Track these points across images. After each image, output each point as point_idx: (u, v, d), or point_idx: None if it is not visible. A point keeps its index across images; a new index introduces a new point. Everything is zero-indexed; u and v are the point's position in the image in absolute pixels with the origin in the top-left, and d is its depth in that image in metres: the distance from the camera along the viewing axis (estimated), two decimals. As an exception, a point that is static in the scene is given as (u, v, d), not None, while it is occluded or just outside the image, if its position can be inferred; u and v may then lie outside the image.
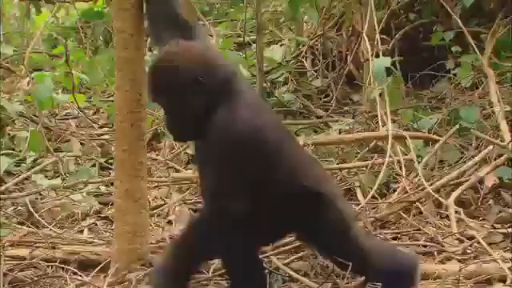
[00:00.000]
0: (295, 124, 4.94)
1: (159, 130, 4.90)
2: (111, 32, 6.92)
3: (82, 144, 4.69)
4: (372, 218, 3.12)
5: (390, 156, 3.48)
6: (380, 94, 3.81)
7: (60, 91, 5.60)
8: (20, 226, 3.33)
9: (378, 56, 3.89)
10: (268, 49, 5.96)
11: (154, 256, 2.82)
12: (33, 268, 2.89)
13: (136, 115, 2.75)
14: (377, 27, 3.94)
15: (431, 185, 3.37)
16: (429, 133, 4.06)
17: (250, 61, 5.60)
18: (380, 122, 3.74)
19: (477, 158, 3.55)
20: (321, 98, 5.52)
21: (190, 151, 4.55)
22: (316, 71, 5.76)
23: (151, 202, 3.67)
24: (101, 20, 7.33)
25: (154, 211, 3.60)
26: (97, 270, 2.79)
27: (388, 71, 3.83)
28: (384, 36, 4.42)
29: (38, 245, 3.03)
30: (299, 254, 2.87)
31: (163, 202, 3.78)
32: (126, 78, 2.73)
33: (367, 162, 3.82)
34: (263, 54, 5.35)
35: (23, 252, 2.98)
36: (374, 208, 3.36)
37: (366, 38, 3.98)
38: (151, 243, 2.94)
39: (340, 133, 4.46)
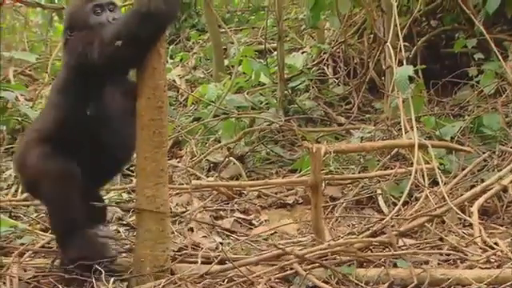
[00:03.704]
0: (316, 131, 4.93)
1: (180, 138, 4.92)
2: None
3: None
4: (396, 232, 3.09)
5: (412, 164, 3.45)
6: (403, 102, 3.79)
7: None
8: (43, 233, 3.34)
9: (400, 63, 3.87)
10: (289, 56, 5.96)
11: (175, 263, 2.82)
12: (55, 275, 2.89)
13: (157, 123, 2.75)
14: (400, 34, 3.92)
15: (453, 196, 3.34)
16: (451, 140, 4.03)
17: (271, 68, 5.61)
18: (403, 129, 3.71)
19: (501, 173, 3.51)
20: (342, 105, 5.51)
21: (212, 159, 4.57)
22: (337, 78, 5.75)
23: (172, 209, 3.67)
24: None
25: (176, 218, 3.60)
26: (120, 278, 2.79)
27: (410, 79, 3.81)
28: (406, 43, 4.40)
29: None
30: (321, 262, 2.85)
31: (184, 209, 3.78)
32: (147, 86, 2.74)
33: (389, 170, 3.80)
34: (284, 61, 5.35)
35: (46, 260, 2.99)
36: (397, 216, 3.33)
37: (389, 45, 3.95)
38: (172, 250, 2.93)
39: (361, 140, 4.44)
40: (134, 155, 3.76)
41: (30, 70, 6.77)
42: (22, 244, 3.17)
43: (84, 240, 2.81)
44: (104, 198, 3.86)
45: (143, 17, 2.61)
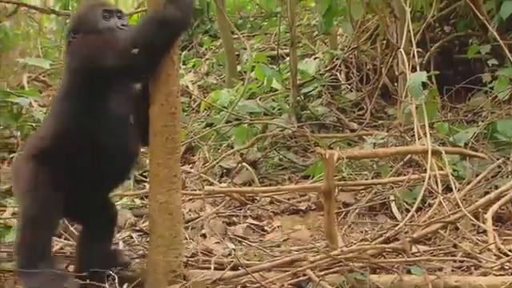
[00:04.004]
0: (329, 137, 4.92)
1: (193, 144, 4.93)
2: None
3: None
4: (409, 239, 3.07)
5: (426, 171, 3.44)
6: (416, 108, 3.78)
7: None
8: (57, 239, 3.36)
9: (413, 69, 3.86)
10: (302, 62, 5.96)
11: (187, 269, 2.83)
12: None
13: (170, 129, 2.76)
14: (413, 40, 3.91)
15: (467, 202, 3.32)
16: (465, 147, 4.01)
17: (284, 74, 5.61)
18: (416, 135, 3.70)
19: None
20: (355, 111, 5.50)
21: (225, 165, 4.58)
22: (350, 84, 5.75)
23: (185, 214, 3.67)
24: (136, 34, 7.41)
25: (188, 224, 3.60)
26: (133, 284, 2.79)
27: (424, 85, 3.80)
28: (419, 49, 4.39)
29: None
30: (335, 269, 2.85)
31: (197, 215, 3.79)
32: (160, 93, 2.74)
33: (403, 177, 3.79)
34: (297, 67, 5.35)
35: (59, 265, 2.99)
36: (410, 222, 3.31)
37: (402, 51, 3.94)
38: (185, 256, 2.94)
39: (374, 146, 4.43)
40: (143, 161, 3.81)
41: (43, 76, 6.81)
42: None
43: (45, 276, 2.67)
44: (117, 203, 3.89)
45: (159, 24, 2.62)
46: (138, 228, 3.63)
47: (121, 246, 3.34)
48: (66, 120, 2.76)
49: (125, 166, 2.88)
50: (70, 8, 5.40)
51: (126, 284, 2.75)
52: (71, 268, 2.95)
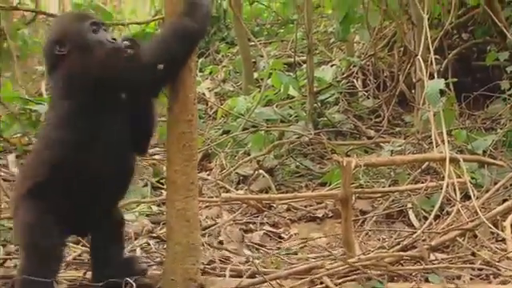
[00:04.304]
0: (346, 145, 4.91)
1: (210, 151, 4.93)
2: (163, 53, 7.02)
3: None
4: (427, 246, 3.05)
5: (444, 178, 3.42)
6: (434, 115, 3.76)
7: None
8: (74, 246, 3.37)
9: (431, 76, 3.85)
10: (318, 69, 5.96)
11: (204, 276, 2.82)
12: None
13: (187, 136, 2.76)
14: (431, 47, 3.90)
15: (485, 210, 3.30)
16: (483, 154, 3.98)
17: (301, 81, 5.61)
18: (434, 143, 3.68)
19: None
20: (372, 118, 5.49)
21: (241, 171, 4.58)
22: (367, 91, 5.74)
23: (202, 221, 3.67)
24: (153, 41, 7.45)
25: (205, 231, 3.60)
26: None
27: (441, 92, 3.78)
28: (437, 56, 4.37)
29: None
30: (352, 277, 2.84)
31: (214, 222, 3.79)
32: (177, 100, 2.75)
33: (420, 184, 3.77)
34: (314, 74, 5.35)
35: (77, 272, 3.01)
36: (428, 230, 3.29)
37: (420, 58, 3.93)
38: (202, 263, 2.93)
39: (391, 154, 4.41)
40: (160, 168, 3.81)
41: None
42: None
43: None
44: (134, 210, 3.90)
45: (180, 38, 2.61)
46: (155, 235, 3.63)
47: (138, 252, 3.34)
48: (62, 152, 2.61)
49: (124, 185, 2.80)
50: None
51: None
52: (89, 275, 2.96)
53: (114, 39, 2.69)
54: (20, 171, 3.09)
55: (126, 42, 2.64)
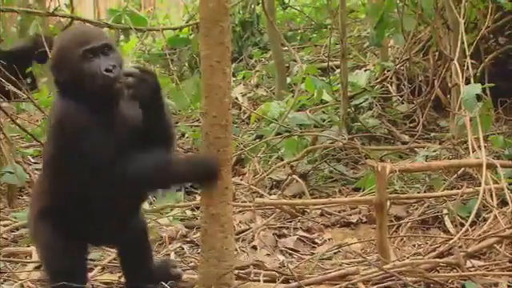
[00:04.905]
0: (380, 150, 4.88)
1: (243, 155, 4.94)
2: (196, 58, 7.06)
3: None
4: (464, 253, 3.02)
5: (480, 184, 3.38)
6: (470, 120, 3.72)
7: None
8: (109, 249, 3.39)
9: (467, 81, 3.81)
10: (352, 74, 5.93)
11: (238, 281, 2.82)
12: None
13: (222, 141, 2.77)
14: (467, 52, 3.85)
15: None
16: (521, 160, 3.93)
17: (334, 86, 5.59)
18: (470, 148, 3.64)
19: None
20: (406, 123, 5.44)
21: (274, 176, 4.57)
22: (401, 96, 5.69)
23: (235, 226, 3.68)
24: (186, 47, 7.50)
25: (239, 236, 3.60)
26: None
27: (478, 97, 3.74)
28: (473, 61, 4.32)
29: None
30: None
31: (247, 227, 3.79)
32: (213, 104, 2.76)
33: (456, 190, 3.73)
34: (347, 79, 5.32)
35: (113, 276, 3.03)
36: (465, 236, 3.25)
37: (456, 63, 3.89)
38: (236, 268, 2.93)
39: (426, 159, 4.37)
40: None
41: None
42: (91, 260, 3.22)
43: None
44: (169, 214, 3.92)
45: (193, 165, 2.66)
46: (189, 239, 3.65)
47: (172, 257, 3.36)
48: (66, 181, 2.55)
49: (137, 196, 2.73)
50: (123, 21, 5.47)
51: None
52: (123, 279, 2.98)
53: (111, 69, 2.46)
54: (32, 192, 3.01)
55: (125, 75, 2.48)
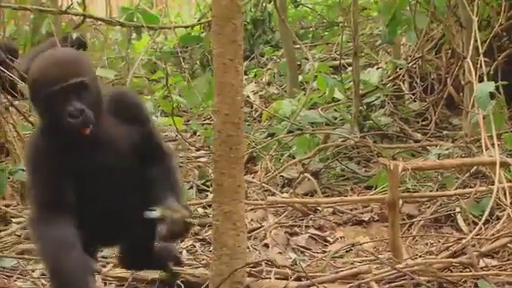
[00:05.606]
0: (392, 148, 4.86)
1: (255, 154, 4.94)
2: (208, 56, 7.07)
3: (179, 167, 4.77)
4: (477, 252, 3.00)
5: (494, 183, 3.36)
6: (483, 118, 3.70)
7: (159, 114, 5.76)
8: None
9: (480, 79, 3.79)
10: (364, 72, 5.91)
11: (251, 279, 2.82)
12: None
13: (234, 139, 2.77)
14: (480, 49, 3.83)
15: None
16: (535, 158, 3.90)
17: (346, 84, 5.57)
18: (483, 146, 3.62)
19: None
20: (418, 121, 5.42)
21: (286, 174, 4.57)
22: (414, 94, 5.67)
23: (247, 224, 3.68)
24: (198, 45, 7.51)
25: (251, 234, 3.60)
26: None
27: (491, 95, 3.72)
28: (486, 58, 4.29)
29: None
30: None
31: (259, 225, 3.79)
32: (225, 102, 2.76)
33: (469, 189, 3.70)
34: (359, 77, 5.31)
35: (126, 272, 3.03)
36: (478, 235, 3.23)
37: (469, 60, 3.87)
38: (248, 266, 2.93)
39: (439, 157, 4.35)
40: (206, 171, 3.82)
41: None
42: (104, 257, 3.23)
43: None
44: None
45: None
46: (200, 237, 3.65)
47: (184, 255, 3.36)
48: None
49: (135, 200, 2.63)
50: (135, 19, 5.48)
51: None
52: (137, 274, 2.98)
53: (77, 114, 2.33)
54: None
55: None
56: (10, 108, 4.59)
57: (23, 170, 4.00)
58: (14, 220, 3.85)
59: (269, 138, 5.22)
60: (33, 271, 3.15)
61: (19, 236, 3.61)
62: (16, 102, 5.00)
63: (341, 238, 3.75)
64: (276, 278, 2.85)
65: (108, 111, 2.51)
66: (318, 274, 2.95)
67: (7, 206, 4.06)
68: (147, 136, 2.61)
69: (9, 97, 4.79)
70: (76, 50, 2.86)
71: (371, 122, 5.20)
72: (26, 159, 2.53)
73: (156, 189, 2.59)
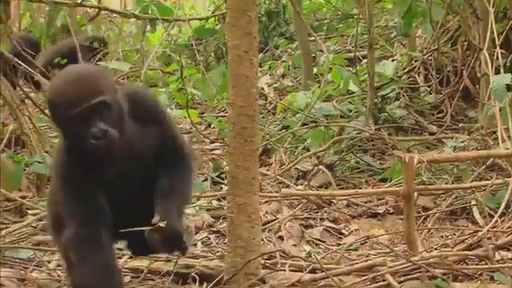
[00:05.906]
0: (407, 140, 4.84)
1: (269, 146, 4.94)
2: (222, 48, 7.06)
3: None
4: (493, 245, 2.99)
5: (510, 175, 3.34)
6: (499, 110, 3.68)
7: (173, 106, 5.77)
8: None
9: (497, 71, 3.76)
10: (379, 64, 5.88)
11: (265, 271, 2.83)
12: (150, 281, 2.95)
13: (249, 131, 2.77)
14: (497, 41, 3.80)
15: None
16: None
17: (361, 76, 5.55)
18: (500, 139, 3.60)
19: None
20: (434, 113, 5.40)
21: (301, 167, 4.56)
22: (429, 86, 5.64)
23: (262, 217, 3.68)
24: (212, 37, 7.50)
25: (265, 226, 3.61)
26: (212, 284, 2.81)
27: (507, 87, 3.70)
28: (502, 50, 4.26)
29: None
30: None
31: (274, 218, 3.79)
32: (240, 95, 2.76)
33: (485, 181, 3.69)
34: (374, 69, 5.29)
35: (142, 264, 3.05)
36: (494, 228, 3.22)
37: (485, 52, 3.84)
38: (263, 258, 2.93)
39: (454, 150, 4.33)
40: (220, 163, 3.83)
41: (123, 79, 6.96)
42: (119, 249, 3.24)
43: None
44: (195, 204, 3.93)
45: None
46: (215, 229, 3.66)
47: (199, 247, 3.37)
48: None
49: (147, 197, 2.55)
50: (150, 12, 5.49)
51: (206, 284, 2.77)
52: (153, 265, 2.99)
53: (100, 136, 2.25)
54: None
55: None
56: (26, 100, 4.61)
57: (39, 162, 4.03)
58: (29, 212, 3.88)
59: (283, 131, 5.21)
60: (49, 262, 3.17)
61: (35, 227, 3.63)
62: (32, 94, 5.03)
63: (355, 230, 3.74)
64: (290, 271, 2.85)
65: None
66: (332, 266, 2.95)
67: (23, 197, 4.09)
68: (166, 137, 2.52)
69: (25, 89, 4.81)
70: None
71: (386, 114, 5.18)
72: (55, 177, 2.50)
73: (162, 197, 2.49)
